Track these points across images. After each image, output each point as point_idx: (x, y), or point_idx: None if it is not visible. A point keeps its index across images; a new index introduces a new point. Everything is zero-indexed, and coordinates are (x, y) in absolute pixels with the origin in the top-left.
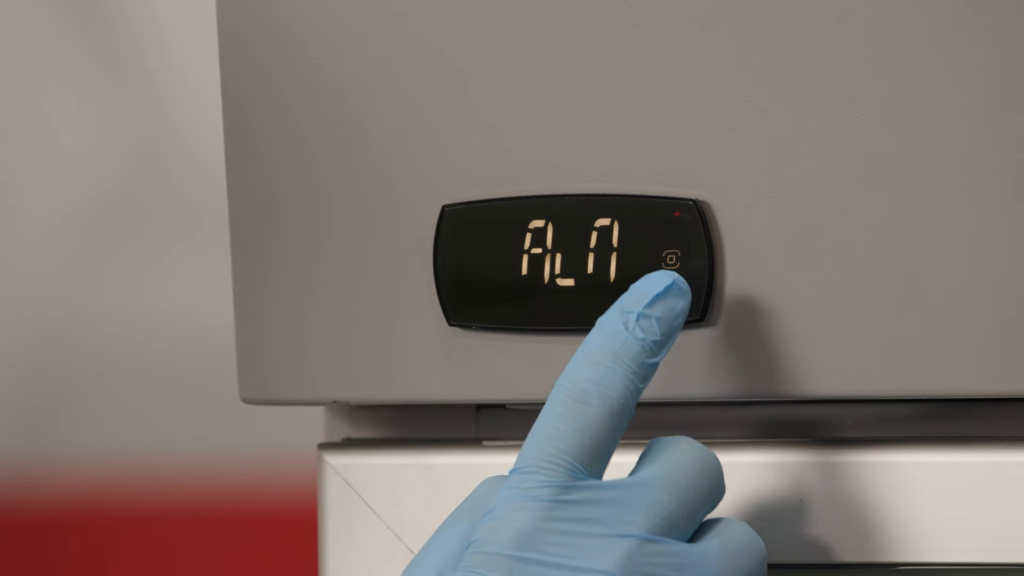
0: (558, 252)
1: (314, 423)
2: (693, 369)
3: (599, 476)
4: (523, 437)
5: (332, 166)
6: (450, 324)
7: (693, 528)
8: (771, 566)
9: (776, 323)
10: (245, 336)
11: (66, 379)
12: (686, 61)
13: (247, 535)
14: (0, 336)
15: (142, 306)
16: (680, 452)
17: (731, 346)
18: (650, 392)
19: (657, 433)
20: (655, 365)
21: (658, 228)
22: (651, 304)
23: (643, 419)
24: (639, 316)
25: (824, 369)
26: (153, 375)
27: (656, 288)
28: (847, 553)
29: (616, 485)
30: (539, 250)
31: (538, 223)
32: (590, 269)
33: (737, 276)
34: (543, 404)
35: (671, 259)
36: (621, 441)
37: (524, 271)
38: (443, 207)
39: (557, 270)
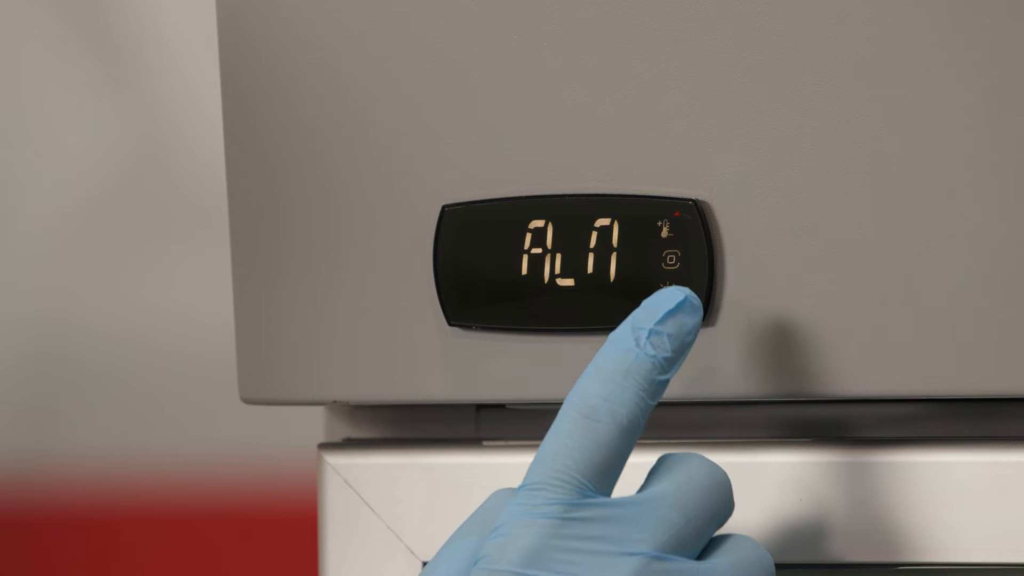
0: (558, 252)
1: (314, 423)
2: (693, 369)
3: (608, 493)
4: (523, 437)
5: (332, 166)
6: (450, 324)
7: (702, 545)
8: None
9: (776, 323)
10: (245, 336)
11: (66, 379)
12: (686, 61)
13: (247, 535)
14: (0, 336)
15: (142, 306)
16: (689, 469)
17: (731, 346)
18: None
19: (656, 433)
20: (666, 382)
21: (658, 228)
22: (663, 320)
23: None
24: (651, 332)
25: (824, 369)
26: (153, 375)
27: (668, 304)
28: (847, 553)
29: (625, 502)
30: (539, 250)
31: (538, 223)
32: (590, 269)
33: (737, 276)
34: (543, 404)
35: (671, 259)
36: None
37: (524, 271)
38: (443, 207)
39: (557, 270)
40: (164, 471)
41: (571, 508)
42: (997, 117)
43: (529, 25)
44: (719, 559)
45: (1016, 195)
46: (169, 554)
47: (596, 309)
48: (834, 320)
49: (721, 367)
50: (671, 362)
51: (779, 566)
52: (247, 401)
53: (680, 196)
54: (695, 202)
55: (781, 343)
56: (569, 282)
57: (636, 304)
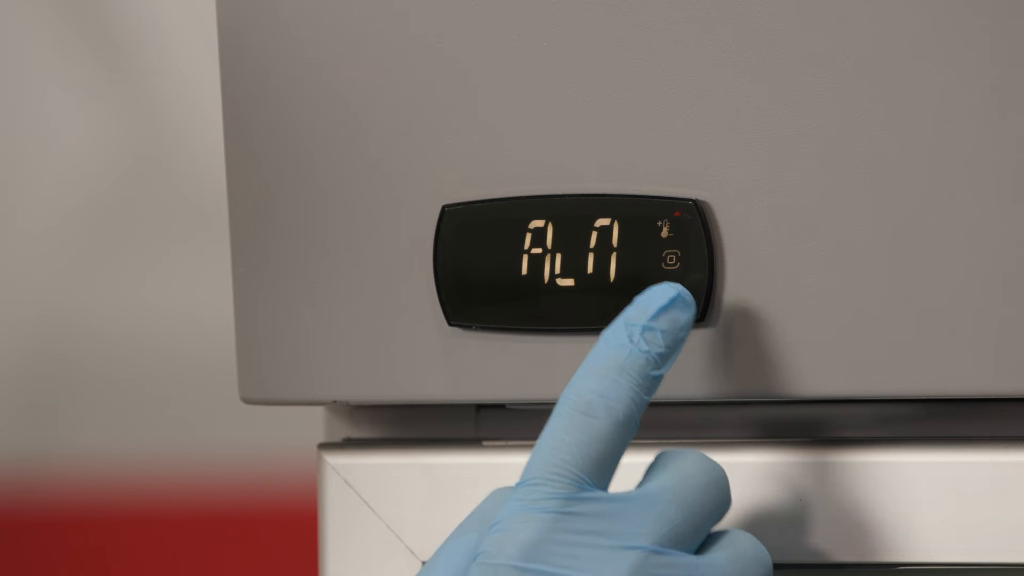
0: (558, 252)
1: (314, 423)
2: (693, 369)
3: (605, 488)
4: (523, 437)
5: (332, 166)
6: (450, 324)
7: (699, 540)
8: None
9: (776, 323)
10: (245, 336)
11: (66, 379)
12: (686, 61)
13: (247, 535)
14: (0, 336)
15: (142, 306)
16: (687, 465)
17: (731, 346)
18: None
19: (656, 433)
20: (660, 377)
21: (658, 228)
22: (656, 316)
23: (643, 419)
24: (644, 329)
25: (824, 369)
26: (153, 375)
27: (661, 300)
28: (847, 553)
29: (623, 497)
30: (539, 250)
31: (538, 223)
32: (590, 269)
33: (737, 276)
34: (543, 404)
35: (671, 259)
36: None
37: (524, 271)
38: (443, 207)
39: (557, 270)
40: (164, 471)
41: (569, 502)
42: (997, 117)
43: (529, 25)
44: (717, 554)
45: (1016, 195)
46: (169, 554)
47: (596, 309)
48: (834, 320)
49: (721, 367)
50: (665, 358)
51: (777, 566)
52: (247, 401)
53: (680, 196)
54: (695, 202)
55: (781, 343)
56: (569, 282)
57: None
